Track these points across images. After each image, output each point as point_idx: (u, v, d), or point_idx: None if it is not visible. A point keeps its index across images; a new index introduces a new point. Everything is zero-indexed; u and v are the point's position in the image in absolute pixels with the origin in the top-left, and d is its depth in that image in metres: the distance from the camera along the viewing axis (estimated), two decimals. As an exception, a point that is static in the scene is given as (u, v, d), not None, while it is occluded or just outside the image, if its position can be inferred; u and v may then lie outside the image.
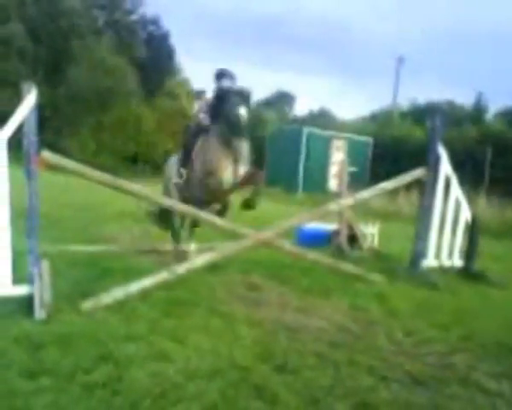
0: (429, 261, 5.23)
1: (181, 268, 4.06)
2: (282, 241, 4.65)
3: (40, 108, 3.45)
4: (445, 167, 5.18)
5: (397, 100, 28.36)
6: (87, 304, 3.42)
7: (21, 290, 3.31)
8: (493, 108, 22.46)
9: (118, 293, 3.62)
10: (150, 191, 4.49)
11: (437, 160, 5.14)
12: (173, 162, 5.33)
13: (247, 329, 3.28)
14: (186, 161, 4.94)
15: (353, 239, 6.39)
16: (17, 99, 3.35)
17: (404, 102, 28.32)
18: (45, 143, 3.73)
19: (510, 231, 9.39)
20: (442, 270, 5.29)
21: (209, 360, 2.76)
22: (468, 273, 5.32)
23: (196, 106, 5.20)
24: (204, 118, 4.87)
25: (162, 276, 3.93)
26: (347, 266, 4.90)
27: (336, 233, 6.41)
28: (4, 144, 3.24)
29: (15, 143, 3.45)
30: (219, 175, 4.51)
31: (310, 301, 4.08)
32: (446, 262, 5.36)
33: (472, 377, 2.83)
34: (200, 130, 4.87)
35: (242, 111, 4.40)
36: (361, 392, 2.54)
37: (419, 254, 5.17)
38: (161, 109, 25.37)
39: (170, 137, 24.73)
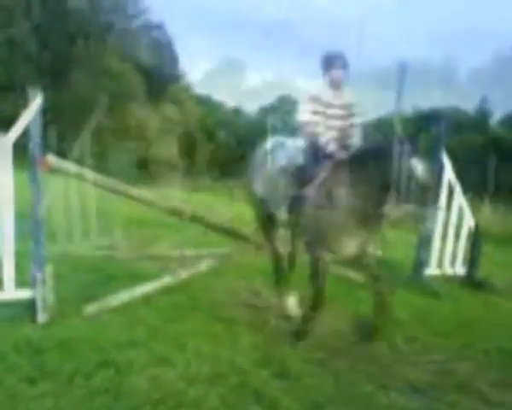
0: (432, 270, 5.20)
1: (184, 273, 4.08)
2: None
3: (44, 112, 3.46)
4: (449, 175, 5.16)
5: (400, 106, 28.22)
6: (90, 309, 3.43)
7: (24, 294, 3.31)
8: (498, 114, 22.46)
9: (121, 297, 3.64)
10: (152, 196, 4.49)
11: (441, 168, 5.12)
12: (263, 154, 4.01)
13: (247, 334, 3.28)
14: (298, 190, 3.49)
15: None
16: (22, 102, 3.37)
17: (408, 108, 28.28)
18: (49, 147, 3.74)
19: (514, 238, 9.32)
20: (444, 278, 5.26)
21: (209, 365, 2.76)
22: (471, 281, 5.29)
23: (305, 114, 3.62)
24: (327, 143, 3.52)
25: (165, 281, 3.94)
26: (350, 273, 4.88)
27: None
28: (10, 149, 3.25)
29: (19, 148, 3.46)
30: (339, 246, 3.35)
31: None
32: (449, 270, 5.33)
33: (471, 385, 2.83)
34: (326, 156, 3.49)
35: (420, 169, 2.99)
36: (360, 399, 2.54)
37: (421, 263, 5.15)
38: (165, 114, 25.44)
39: (173, 142, 24.81)
